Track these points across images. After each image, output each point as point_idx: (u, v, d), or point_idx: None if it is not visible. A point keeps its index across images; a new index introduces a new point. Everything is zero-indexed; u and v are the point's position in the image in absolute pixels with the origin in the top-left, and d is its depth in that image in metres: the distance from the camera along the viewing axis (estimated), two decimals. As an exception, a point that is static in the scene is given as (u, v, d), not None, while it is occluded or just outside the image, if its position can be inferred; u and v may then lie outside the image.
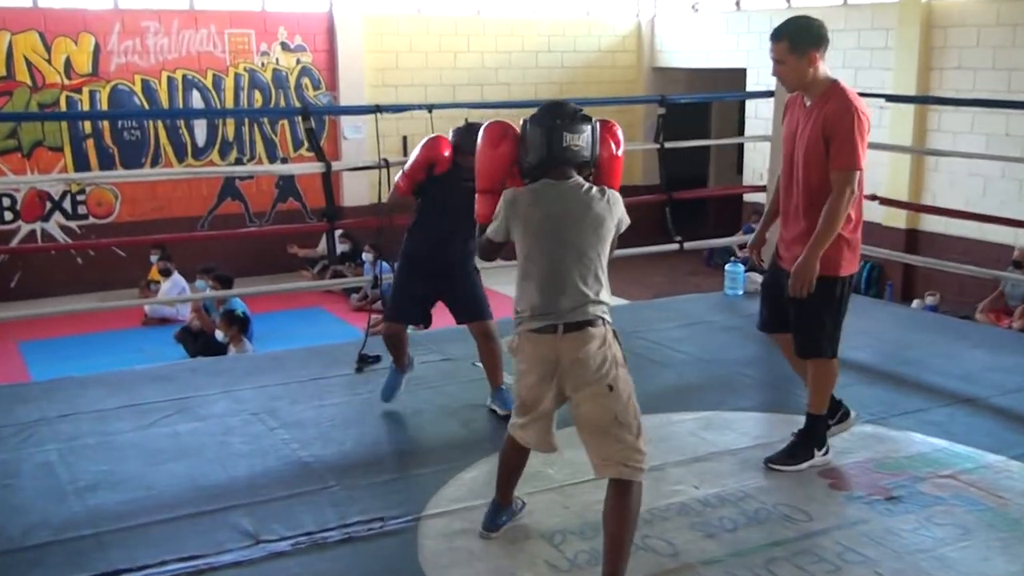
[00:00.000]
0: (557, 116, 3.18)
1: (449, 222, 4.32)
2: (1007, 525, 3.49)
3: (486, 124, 3.47)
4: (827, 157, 3.69)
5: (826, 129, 3.68)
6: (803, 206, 3.80)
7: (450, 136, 4.32)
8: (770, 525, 3.52)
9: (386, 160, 5.56)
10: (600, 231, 3.15)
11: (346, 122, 13.01)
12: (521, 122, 3.28)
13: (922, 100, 10.00)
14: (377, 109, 5.81)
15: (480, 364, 4.62)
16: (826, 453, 4.03)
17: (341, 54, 13.00)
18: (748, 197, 12.34)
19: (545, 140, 3.16)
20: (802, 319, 3.87)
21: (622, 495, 3.08)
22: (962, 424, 4.45)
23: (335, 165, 6.37)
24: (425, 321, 4.61)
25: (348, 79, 13.03)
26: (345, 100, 12.93)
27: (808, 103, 3.80)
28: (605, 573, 3.03)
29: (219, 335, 9.21)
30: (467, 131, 4.15)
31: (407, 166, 4.36)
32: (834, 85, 3.76)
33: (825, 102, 3.71)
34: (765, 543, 3.40)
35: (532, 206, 3.17)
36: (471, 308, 4.50)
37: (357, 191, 11.88)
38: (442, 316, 4.66)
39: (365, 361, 5.28)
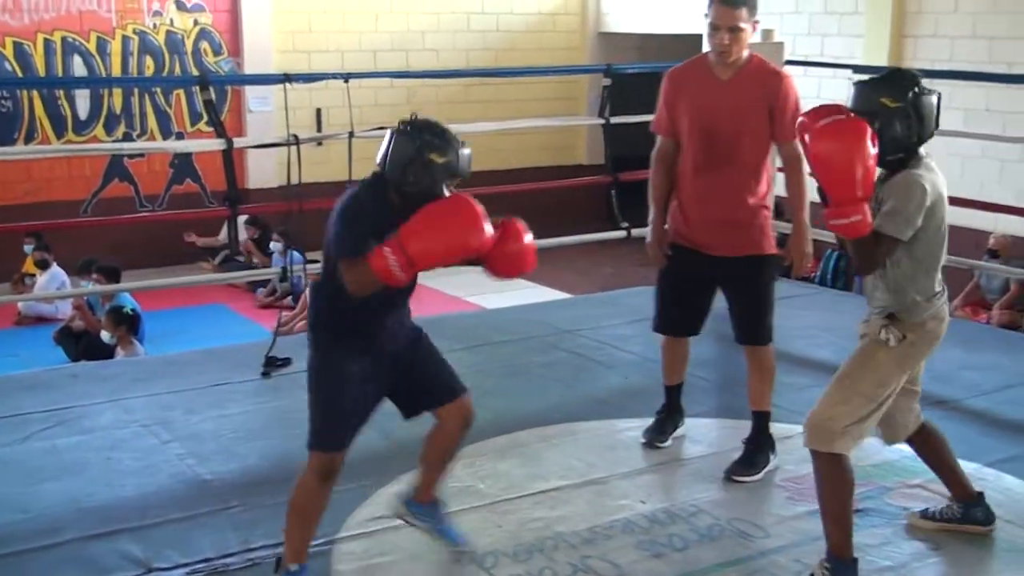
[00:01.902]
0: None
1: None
2: (980, 538, 3.61)
3: (831, 122, 3.07)
4: (769, 131, 3.93)
5: (773, 101, 3.93)
6: (740, 185, 3.99)
7: (427, 154, 3.05)
8: (724, 542, 3.61)
9: (296, 136, 5.56)
10: None
11: (251, 93, 12.89)
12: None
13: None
14: (286, 79, 5.79)
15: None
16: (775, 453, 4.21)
17: (245, 15, 12.87)
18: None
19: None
20: (754, 304, 4.10)
21: None
22: (933, 429, 4.58)
23: (238, 142, 6.35)
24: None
25: (253, 44, 12.90)
26: (250, 68, 12.81)
27: (724, 76, 3.97)
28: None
29: (105, 336, 9.09)
30: (445, 142, 3.08)
31: (420, 247, 2.95)
32: (758, 56, 4.01)
33: (760, 74, 3.97)
34: (718, 563, 3.49)
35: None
36: (447, 384, 3.45)
37: (264, 171, 11.79)
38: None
39: (273, 364, 5.28)
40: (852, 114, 3.14)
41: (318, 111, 12.58)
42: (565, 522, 3.73)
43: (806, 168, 3.71)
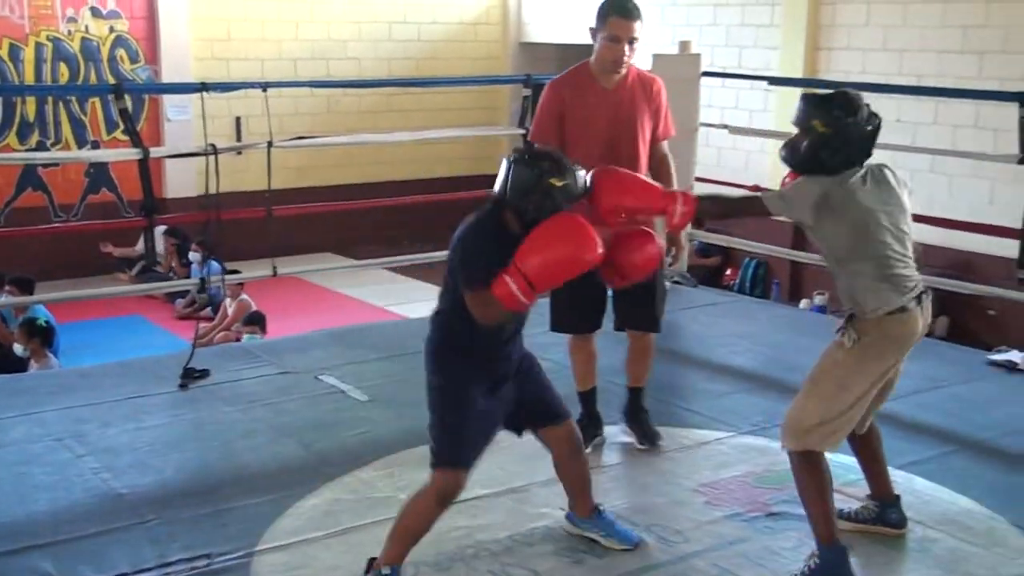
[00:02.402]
0: None
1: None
2: (891, 541, 3.70)
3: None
4: (651, 133, 4.28)
5: (657, 106, 4.25)
6: None
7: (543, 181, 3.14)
8: (642, 548, 3.64)
9: (214, 146, 5.51)
10: None
11: (169, 101, 12.72)
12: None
13: (805, 83, 10.32)
14: (203, 87, 5.74)
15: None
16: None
17: (163, 22, 12.70)
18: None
19: None
20: (651, 295, 4.35)
21: None
22: (846, 433, 4.68)
23: (154, 151, 6.27)
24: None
25: (171, 51, 12.74)
26: (168, 76, 12.64)
27: (608, 85, 4.18)
28: None
29: (18, 348, 8.90)
30: (564, 167, 3.19)
31: (537, 269, 3.05)
32: (632, 65, 4.26)
33: (640, 80, 4.26)
34: (637, 568, 3.52)
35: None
36: (552, 408, 3.55)
37: (183, 181, 11.63)
38: (283, 323, 4.65)
39: (191, 376, 5.22)
40: None
41: (237, 120, 12.46)
42: (486, 530, 3.74)
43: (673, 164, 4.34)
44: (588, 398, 4.51)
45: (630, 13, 4.06)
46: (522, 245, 3.05)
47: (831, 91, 3.41)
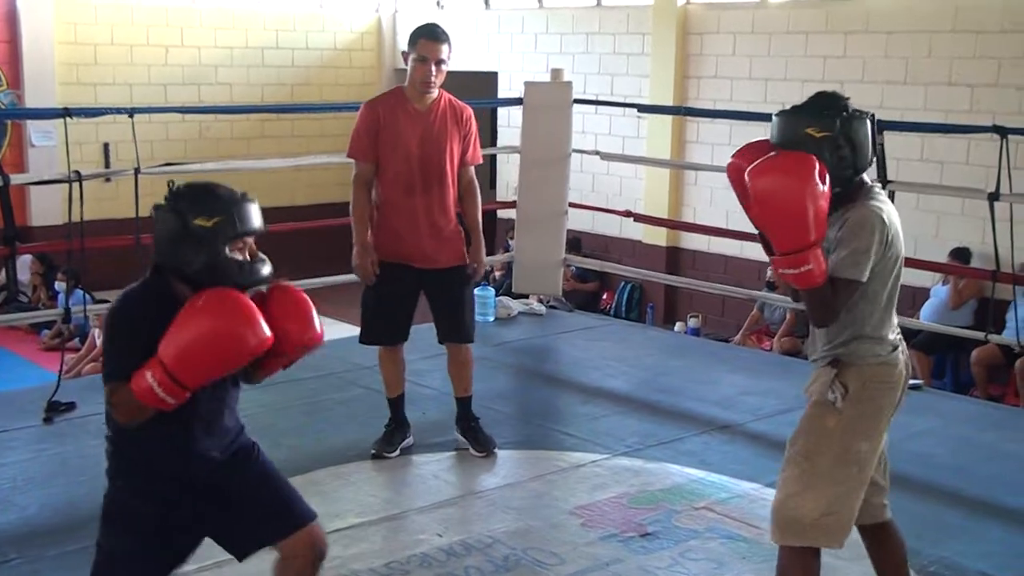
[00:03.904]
0: None
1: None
2: (761, 556, 3.78)
3: (772, 157, 2.77)
4: (460, 155, 4.51)
5: (464, 129, 4.51)
6: (444, 203, 4.51)
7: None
8: (520, 572, 3.66)
9: (78, 172, 5.37)
10: None
11: (34, 127, 12.36)
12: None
13: (673, 111, 10.60)
14: (66, 113, 5.59)
15: None
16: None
17: (26, 45, 12.35)
18: (503, 213, 12.70)
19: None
20: (461, 308, 4.58)
21: None
22: (717, 452, 4.79)
23: (15, 178, 6.09)
24: None
25: (35, 75, 12.39)
26: (32, 101, 12.28)
27: (421, 108, 4.43)
28: None
29: None
30: (213, 199, 2.60)
31: (181, 360, 2.44)
32: (443, 90, 4.48)
33: (451, 105, 4.50)
34: (514, 592, 3.54)
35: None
36: (287, 510, 2.83)
37: (48, 208, 11.29)
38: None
39: (56, 409, 5.07)
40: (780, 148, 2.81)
41: (105, 145, 12.18)
42: (361, 559, 3.71)
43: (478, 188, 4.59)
44: (397, 404, 4.73)
45: (438, 36, 4.37)
46: (167, 333, 2.41)
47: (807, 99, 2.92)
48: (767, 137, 2.92)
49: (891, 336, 2.93)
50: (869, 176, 2.96)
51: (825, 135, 2.79)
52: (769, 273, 9.82)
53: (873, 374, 2.88)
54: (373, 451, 4.63)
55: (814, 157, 2.72)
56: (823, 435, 2.87)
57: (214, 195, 2.56)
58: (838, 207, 2.84)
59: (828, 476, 2.84)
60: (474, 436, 4.70)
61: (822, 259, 2.71)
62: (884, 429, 2.94)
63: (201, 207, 2.51)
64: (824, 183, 2.70)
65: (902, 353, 2.96)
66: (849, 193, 2.87)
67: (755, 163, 2.76)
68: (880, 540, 3.09)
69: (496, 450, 4.69)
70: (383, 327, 4.61)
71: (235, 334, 2.42)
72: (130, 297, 2.58)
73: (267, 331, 2.47)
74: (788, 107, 2.89)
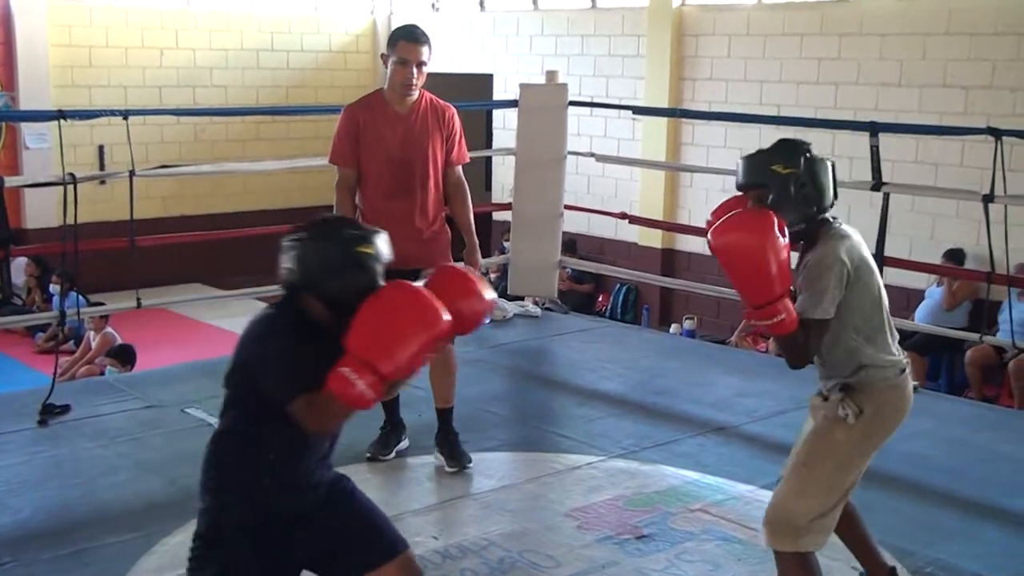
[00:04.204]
0: None
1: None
2: (756, 558, 3.78)
3: (733, 216, 2.96)
4: (444, 157, 4.45)
5: (448, 130, 4.45)
6: (429, 205, 4.44)
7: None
8: (515, 574, 3.66)
9: (72, 175, 5.36)
10: None
11: (28, 129, 12.34)
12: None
13: (668, 113, 10.59)
14: (60, 115, 5.58)
15: None
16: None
17: (20, 48, 12.33)
18: (498, 215, 12.71)
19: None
20: None
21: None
22: (713, 454, 4.79)
23: (9, 180, 6.08)
24: None
25: (30, 77, 12.38)
26: (26, 103, 12.27)
27: (402, 110, 4.38)
28: None
29: None
30: (365, 231, 2.70)
31: (386, 356, 2.49)
32: (425, 91, 4.44)
33: (433, 106, 4.45)
34: (510, 594, 3.54)
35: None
36: (380, 540, 2.82)
37: (43, 211, 11.29)
38: (150, 356, 4.54)
39: (51, 412, 5.07)
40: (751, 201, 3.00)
41: (100, 148, 12.16)
42: (357, 562, 3.70)
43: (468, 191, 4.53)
44: (392, 406, 4.65)
45: (418, 38, 4.33)
46: (356, 329, 2.49)
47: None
48: (739, 193, 3.11)
49: (895, 358, 3.07)
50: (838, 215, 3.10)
51: (791, 171, 2.98)
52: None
53: (886, 400, 3.04)
54: (368, 454, 4.60)
55: (772, 213, 2.92)
56: (830, 447, 3.03)
57: (363, 227, 2.73)
58: (803, 249, 3.05)
59: (825, 484, 3.01)
60: (450, 451, 4.55)
61: (790, 308, 2.88)
62: (880, 445, 3.11)
63: (362, 236, 2.63)
64: (784, 236, 2.88)
65: (909, 376, 3.10)
66: (811, 232, 3.04)
67: (716, 223, 2.95)
68: (845, 514, 3.22)
69: (469, 465, 4.53)
70: None
71: (426, 321, 2.51)
72: (271, 322, 2.66)
73: (447, 315, 2.56)
74: (755, 152, 3.07)
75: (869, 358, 3.01)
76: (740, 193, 3.11)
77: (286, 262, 2.62)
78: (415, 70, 4.32)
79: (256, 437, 2.65)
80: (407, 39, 4.32)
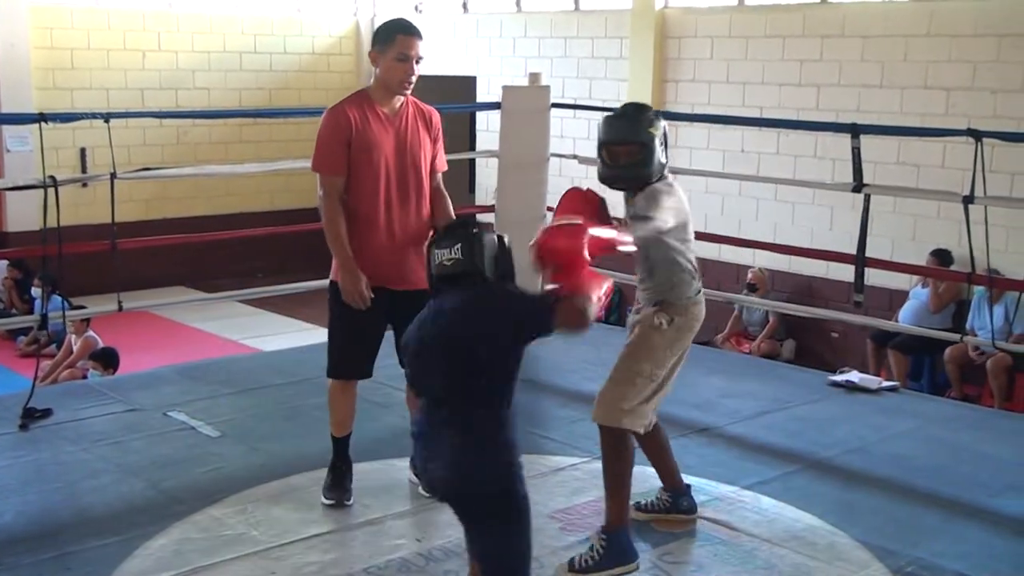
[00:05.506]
0: None
1: None
2: (739, 559, 3.80)
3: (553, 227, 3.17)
4: (432, 163, 4.19)
5: (436, 136, 4.21)
6: (423, 214, 4.16)
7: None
8: (498, 576, 3.65)
9: (53, 178, 5.34)
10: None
11: (9, 132, 12.29)
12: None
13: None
14: (41, 118, 5.56)
15: None
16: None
17: (2, 50, 12.25)
18: (481, 218, 12.71)
19: None
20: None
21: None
22: (696, 455, 4.79)
23: (-9, 183, 6.05)
24: None
25: (11, 80, 12.32)
26: (7, 106, 12.22)
27: (390, 112, 4.07)
28: None
29: None
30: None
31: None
32: (407, 95, 4.14)
33: (418, 108, 4.17)
34: (492, 596, 3.52)
35: None
36: None
37: (25, 214, 11.22)
38: (132, 359, 4.53)
39: (32, 416, 5.05)
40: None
41: (82, 151, 12.12)
42: (340, 564, 3.70)
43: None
44: (345, 444, 4.30)
45: (417, 31, 4.01)
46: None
47: (625, 105, 3.85)
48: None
49: (697, 283, 3.76)
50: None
51: (659, 133, 3.66)
52: (749, 275, 9.90)
53: (689, 312, 3.73)
54: (330, 502, 4.20)
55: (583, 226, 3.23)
56: (649, 348, 3.70)
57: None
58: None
59: (647, 376, 3.68)
60: (427, 475, 4.24)
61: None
62: (682, 354, 3.80)
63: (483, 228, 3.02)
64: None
65: (701, 293, 3.78)
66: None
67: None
68: (650, 435, 3.90)
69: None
70: (357, 360, 4.18)
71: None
72: (497, 288, 3.02)
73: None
74: (620, 109, 3.79)
75: (680, 281, 3.69)
76: (574, 187, 3.78)
77: (467, 256, 2.95)
78: (415, 66, 4.00)
79: (490, 408, 3.04)
80: (406, 33, 3.98)
